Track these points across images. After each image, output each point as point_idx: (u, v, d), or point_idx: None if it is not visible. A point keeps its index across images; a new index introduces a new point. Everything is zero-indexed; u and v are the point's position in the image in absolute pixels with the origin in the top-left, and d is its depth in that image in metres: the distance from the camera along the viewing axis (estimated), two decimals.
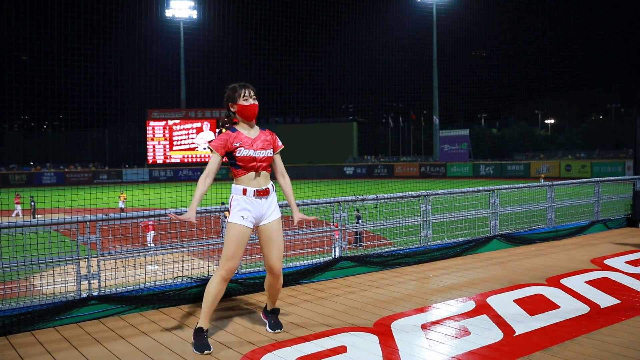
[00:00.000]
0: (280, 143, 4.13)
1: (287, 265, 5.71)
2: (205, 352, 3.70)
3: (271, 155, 4.03)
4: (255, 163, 3.94)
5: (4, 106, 48.39)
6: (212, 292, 3.83)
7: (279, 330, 4.14)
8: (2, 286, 4.53)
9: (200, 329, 3.81)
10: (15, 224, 4.40)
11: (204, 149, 60.94)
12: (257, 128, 4.06)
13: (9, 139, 67.21)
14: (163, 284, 5.00)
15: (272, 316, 4.25)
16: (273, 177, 4.15)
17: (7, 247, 4.45)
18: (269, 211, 4.02)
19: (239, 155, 3.90)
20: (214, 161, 3.90)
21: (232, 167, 3.98)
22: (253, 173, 3.95)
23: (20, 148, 64.56)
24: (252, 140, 3.96)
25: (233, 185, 3.98)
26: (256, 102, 4.00)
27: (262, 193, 3.97)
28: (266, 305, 4.34)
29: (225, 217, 5.44)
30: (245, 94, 3.95)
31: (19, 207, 25.89)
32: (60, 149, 64.77)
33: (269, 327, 4.19)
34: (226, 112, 4.07)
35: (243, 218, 3.91)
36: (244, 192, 3.93)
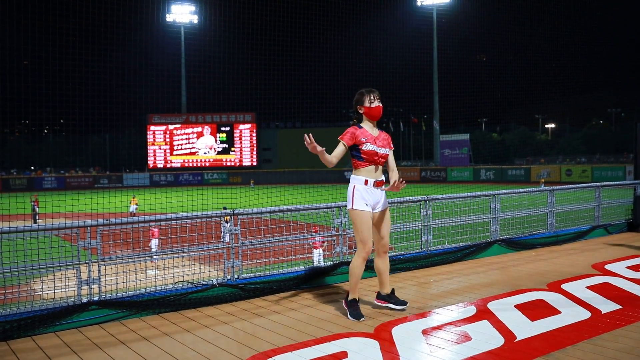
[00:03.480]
0: (391, 144, 4.76)
1: (288, 271, 5.70)
2: (361, 319, 4.39)
3: (389, 152, 4.68)
4: (377, 157, 4.56)
5: (5, 111, 48.46)
6: (357, 271, 4.55)
7: (405, 307, 4.70)
8: (3, 291, 4.53)
9: (354, 299, 4.54)
10: (16, 229, 4.40)
11: (204, 153, 61.04)
12: (377, 129, 4.68)
13: (10, 144, 67.27)
14: (164, 289, 4.99)
15: (393, 296, 4.76)
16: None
17: (8, 252, 4.45)
18: (382, 199, 4.63)
19: (364, 149, 4.52)
20: (340, 149, 4.50)
21: (354, 159, 4.59)
22: (374, 166, 4.57)
23: (21, 153, 64.59)
24: (375, 137, 4.59)
25: (354, 175, 4.59)
26: (381, 104, 4.61)
27: (380, 184, 4.60)
28: (378, 292, 4.82)
29: (227, 222, 5.45)
30: (372, 98, 4.59)
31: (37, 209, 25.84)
32: (61, 154, 64.80)
33: (396, 304, 4.70)
34: (355, 113, 4.67)
35: (366, 205, 4.52)
36: (366, 182, 4.54)
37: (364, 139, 4.53)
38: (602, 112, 69.87)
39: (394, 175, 4.66)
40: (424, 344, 3.89)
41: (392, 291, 4.80)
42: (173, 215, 5.17)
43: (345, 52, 59.53)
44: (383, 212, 4.67)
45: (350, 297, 4.56)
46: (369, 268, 6.10)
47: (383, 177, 4.66)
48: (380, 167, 4.64)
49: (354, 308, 4.51)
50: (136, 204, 26.95)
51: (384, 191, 4.64)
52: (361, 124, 4.64)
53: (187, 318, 4.69)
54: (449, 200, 7.28)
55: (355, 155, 4.58)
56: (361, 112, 4.63)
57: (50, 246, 4.64)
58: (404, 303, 4.73)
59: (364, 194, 4.53)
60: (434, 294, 5.44)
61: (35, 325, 4.25)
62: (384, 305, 4.77)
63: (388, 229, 4.72)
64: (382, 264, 4.73)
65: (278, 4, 46.07)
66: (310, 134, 4.22)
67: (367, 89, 4.65)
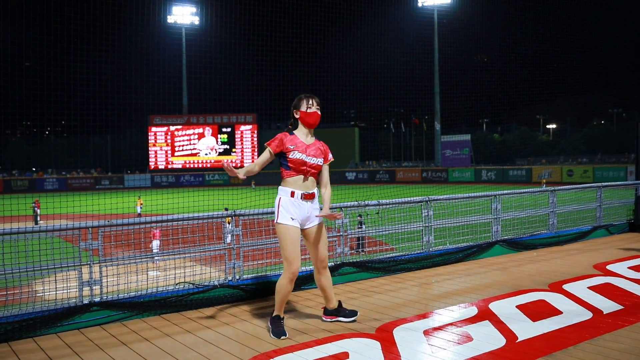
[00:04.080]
0: (331, 156, 4.45)
1: None
2: (282, 337, 4.06)
3: (321, 164, 4.32)
4: (305, 167, 4.22)
5: (6, 112, 48.52)
6: (283, 291, 4.20)
7: (356, 317, 4.43)
8: (4, 292, 4.53)
9: (277, 316, 4.22)
10: (17, 230, 4.41)
11: (205, 154, 61.06)
12: (314, 137, 4.37)
13: (12, 145, 67.34)
14: (165, 290, 5.00)
15: (341, 309, 4.48)
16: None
17: (9, 253, 4.46)
18: (313, 215, 4.28)
19: (291, 157, 4.19)
20: (265, 156, 4.23)
21: (282, 168, 4.27)
22: (302, 176, 4.22)
23: (22, 154, 64.66)
24: (306, 146, 4.27)
25: (280, 186, 4.26)
26: (319, 112, 4.33)
27: (308, 197, 4.24)
28: (325, 308, 4.53)
29: (229, 224, 5.44)
30: (310, 103, 4.29)
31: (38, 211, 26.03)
32: (62, 155, 64.85)
33: (346, 316, 4.42)
34: (291, 118, 4.37)
35: (292, 219, 4.18)
36: (292, 194, 4.20)
37: (292, 147, 4.20)
38: (604, 112, 69.76)
39: (326, 192, 4.34)
40: (425, 345, 3.89)
41: (340, 304, 4.50)
42: (174, 216, 5.17)
43: (346, 53, 59.54)
44: (316, 227, 4.31)
45: (274, 314, 4.25)
46: (368, 270, 6.11)
47: (315, 190, 4.29)
48: (312, 179, 4.27)
49: (276, 325, 4.17)
50: (141, 204, 27.35)
51: (315, 206, 4.30)
52: (294, 131, 4.33)
53: (189, 319, 4.69)
54: (450, 200, 7.28)
55: (282, 164, 4.26)
56: (297, 116, 4.33)
57: (51, 247, 4.65)
58: (353, 314, 4.45)
59: (290, 207, 4.17)
60: (435, 294, 5.44)
61: (36, 326, 4.25)
62: (333, 320, 4.47)
63: (325, 244, 4.38)
64: (324, 279, 4.41)
65: (279, 5, 46.12)
66: (228, 161, 4.01)
67: (307, 94, 4.34)
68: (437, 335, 4.09)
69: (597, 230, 8.78)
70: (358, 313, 4.49)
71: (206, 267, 5.51)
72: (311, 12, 46.77)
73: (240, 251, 5.44)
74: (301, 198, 4.20)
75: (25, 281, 4.56)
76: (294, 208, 4.18)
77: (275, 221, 4.23)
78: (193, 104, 63.74)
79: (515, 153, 61.26)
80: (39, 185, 52.37)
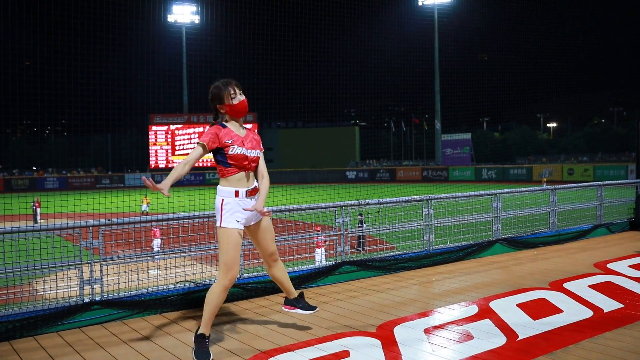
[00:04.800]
0: (260, 143, 4.02)
1: (289, 270, 5.70)
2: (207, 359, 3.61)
3: (260, 155, 3.96)
4: (247, 162, 3.84)
5: (7, 111, 48.54)
6: (214, 301, 3.74)
7: (314, 312, 4.25)
8: (5, 291, 4.54)
9: (202, 335, 3.70)
10: (18, 229, 4.41)
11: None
12: (244, 127, 3.97)
13: (12, 144, 67.38)
14: (166, 288, 5.00)
15: (301, 300, 4.26)
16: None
17: (10, 252, 4.46)
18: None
19: (231, 153, 3.78)
20: (198, 152, 3.73)
21: (220, 166, 3.83)
22: (244, 173, 3.84)
23: (23, 153, 64.70)
24: (242, 138, 3.86)
25: (220, 187, 3.84)
26: (244, 97, 3.88)
27: (252, 193, 3.88)
28: (286, 298, 4.32)
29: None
30: (232, 92, 3.85)
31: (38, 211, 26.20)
32: (62, 154, 64.89)
33: (304, 309, 4.23)
34: (214, 114, 3.93)
35: (237, 221, 3.79)
36: (236, 194, 3.80)
37: (229, 141, 3.78)
38: (604, 110, 69.76)
39: (265, 184, 3.94)
40: (426, 343, 3.89)
41: (301, 295, 4.29)
42: (175, 215, 5.18)
43: (346, 52, 59.54)
44: (261, 222, 4.00)
45: (199, 331, 3.72)
46: (369, 268, 6.11)
47: (256, 184, 3.93)
48: (252, 173, 3.90)
49: (200, 345, 3.66)
50: (148, 202, 27.80)
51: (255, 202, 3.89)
52: (225, 123, 3.88)
53: (190, 317, 4.70)
54: (450, 199, 7.28)
55: (220, 161, 3.82)
56: (222, 111, 3.89)
57: (52, 246, 4.65)
58: (312, 308, 4.25)
59: (237, 207, 3.78)
60: (436, 293, 5.44)
61: (37, 325, 4.26)
62: (291, 311, 4.29)
63: (272, 236, 4.09)
64: (278, 272, 4.17)
65: (279, 4, 46.11)
66: (148, 178, 3.43)
67: (223, 80, 3.91)
68: (437, 333, 4.09)
69: (597, 229, 8.78)
70: (317, 308, 4.29)
71: (207, 266, 5.51)
72: (311, 10, 46.75)
73: (240, 250, 5.43)
74: (246, 196, 3.83)
75: (26, 280, 4.57)
76: (239, 209, 3.79)
77: (218, 225, 3.80)
78: (193, 103, 63.77)
79: (515, 152, 61.28)
80: (39, 184, 52.37)
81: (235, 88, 3.87)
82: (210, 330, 3.81)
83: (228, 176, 3.82)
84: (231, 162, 3.80)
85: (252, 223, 3.96)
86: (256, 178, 3.99)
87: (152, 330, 4.37)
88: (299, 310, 4.26)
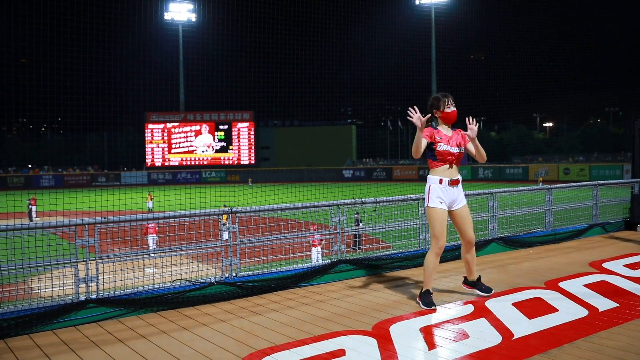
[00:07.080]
0: (467, 138, 4.93)
1: (286, 269, 5.70)
2: (432, 307, 4.62)
3: (463, 152, 4.91)
4: (451, 157, 4.80)
5: (2, 109, 48.35)
6: (431, 266, 4.79)
7: (491, 292, 4.99)
8: (0, 289, 4.52)
9: (427, 290, 4.77)
10: (13, 227, 4.39)
11: (202, 152, 60.98)
12: (451, 129, 4.92)
13: (8, 142, 67.14)
14: (161, 287, 4.99)
15: (479, 282, 5.06)
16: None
17: (5, 250, 4.44)
18: (459, 197, 4.87)
19: (439, 149, 4.77)
20: (423, 142, 4.70)
21: (429, 159, 4.84)
22: (447, 165, 4.81)
23: (18, 151, 64.48)
24: (449, 137, 4.83)
25: (430, 175, 4.85)
26: (455, 109, 4.87)
27: (454, 182, 4.84)
28: (465, 278, 5.17)
29: (224, 224, 5.44)
30: (448, 103, 4.84)
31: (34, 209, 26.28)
32: (58, 152, 64.69)
33: (482, 291, 5.01)
34: (430, 116, 4.85)
35: (440, 203, 4.77)
36: (440, 181, 4.79)
37: (438, 138, 4.77)
38: (600, 110, 69.94)
39: (481, 150, 4.96)
40: (421, 342, 3.89)
41: (479, 278, 5.07)
42: (171, 213, 5.17)
43: (343, 50, 59.55)
44: (462, 209, 4.89)
45: (424, 289, 4.81)
46: (365, 267, 6.12)
47: (459, 177, 4.88)
48: (455, 167, 4.86)
49: (427, 297, 4.74)
50: (152, 198, 28.71)
51: (460, 190, 4.88)
52: (437, 126, 4.87)
53: (185, 316, 4.69)
54: None
55: (430, 156, 4.83)
56: (437, 116, 4.88)
57: (47, 244, 4.64)
58: (489, 290, 5.01)
59: (439, 192, 4.78)
60: (432, 291, 5.43)
61: (32, 323, 4.25)
62: (470, 290, 5.09)
63: (470, 224, 4.95)
64: (468, 255, 5.03)
65: (276, 3, 46.01)
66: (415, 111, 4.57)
67: (442, 93, 4.91)
68: (433, 332, 4.10)
69: (593, 228, 8.80)
70: (493, 290, 5.02)
71: (203, 265, 5.51)
72: (308, 9, 46.71)
73: (237, 248, 5.43)
74: (448, 184, 4.80)
75: (21, 278, 4.55)
76: (442, 193, 4.77)
77: (425, 205, 4.84)
78: (190, 101, 63.65)
79: (511, 151, 61.39)
80: (35, 182, 52.26)
81: (450, 100, 4.88)
82: (431, 287, 4.82)
83: (435, 167, 4.84)
84: (438, 156, 4.80)
85: (454, 208, 4.87)
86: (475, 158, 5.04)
87: (147, 328, 4.36)
88: (477, 291, 5.06)
